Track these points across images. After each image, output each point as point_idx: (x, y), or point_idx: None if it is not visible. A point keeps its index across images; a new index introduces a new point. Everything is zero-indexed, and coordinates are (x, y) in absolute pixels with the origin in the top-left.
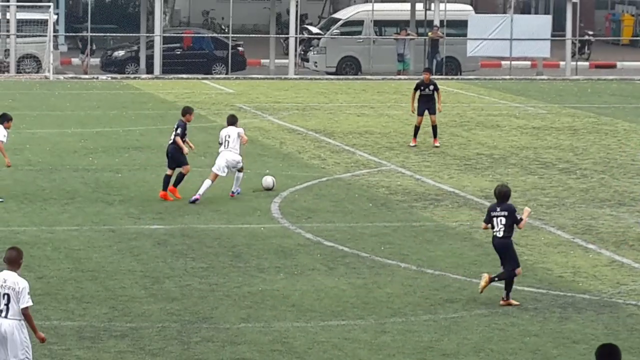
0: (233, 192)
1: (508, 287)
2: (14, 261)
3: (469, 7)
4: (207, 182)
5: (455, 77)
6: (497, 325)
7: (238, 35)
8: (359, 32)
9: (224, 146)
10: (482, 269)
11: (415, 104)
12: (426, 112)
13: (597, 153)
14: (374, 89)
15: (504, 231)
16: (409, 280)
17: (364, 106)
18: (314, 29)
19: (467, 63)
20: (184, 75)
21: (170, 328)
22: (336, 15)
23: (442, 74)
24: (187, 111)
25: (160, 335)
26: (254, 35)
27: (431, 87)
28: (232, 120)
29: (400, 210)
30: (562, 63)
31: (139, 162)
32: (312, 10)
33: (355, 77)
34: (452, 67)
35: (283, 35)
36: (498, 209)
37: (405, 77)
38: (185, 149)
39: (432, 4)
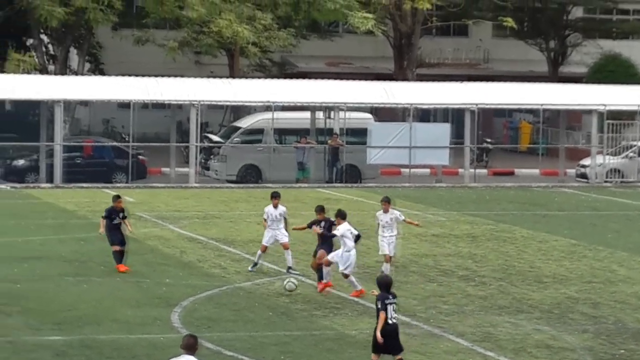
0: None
1: None
2: (191, 346)
3: (369, 115)
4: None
5: (356, 184)
6: None
7: (139, 143)
8: (260, 141)
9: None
10: None
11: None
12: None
13: (495, 260)
14: None
15: (395, 318)
16: None
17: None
18: (215, 137)
19: (368, 171)
20: (85, 184)
21: None
22: (237, 124)
23: (342, 182)
24: (115, 199)
25: None
26: (154, 144)
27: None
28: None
29: (301, 318)
30: (461, 170)
31: (38, 273)
32: (213, 118)
33: (256, 185)
34: (353, 175)
35: (184, 144)
36: (391, 297)
37: (306, 185)
38: (130, 228)
39: (333, 112)
